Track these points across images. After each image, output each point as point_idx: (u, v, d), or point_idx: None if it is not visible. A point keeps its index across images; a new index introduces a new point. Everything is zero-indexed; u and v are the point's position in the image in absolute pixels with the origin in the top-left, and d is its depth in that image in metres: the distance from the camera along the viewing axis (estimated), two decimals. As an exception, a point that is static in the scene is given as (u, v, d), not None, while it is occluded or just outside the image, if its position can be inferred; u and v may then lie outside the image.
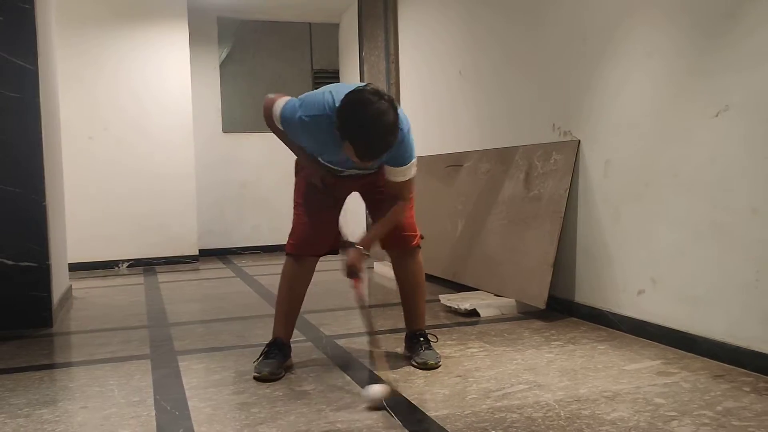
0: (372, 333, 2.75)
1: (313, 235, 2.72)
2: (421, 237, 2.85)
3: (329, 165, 2.65)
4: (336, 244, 2.81)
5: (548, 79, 3.76)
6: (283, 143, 2.72)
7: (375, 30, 6.37)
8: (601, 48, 3.31)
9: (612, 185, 3.27)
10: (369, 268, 5.72)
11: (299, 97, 2.55)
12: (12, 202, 3.62)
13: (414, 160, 2.55)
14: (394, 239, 2.78)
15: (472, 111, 4.65)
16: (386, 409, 2.19)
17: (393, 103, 2.31)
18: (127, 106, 6.41)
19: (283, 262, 2.79)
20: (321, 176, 2.69)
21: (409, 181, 2.59)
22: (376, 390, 2.27)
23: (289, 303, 2.79)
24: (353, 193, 2.86)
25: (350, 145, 2.27)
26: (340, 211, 2.81)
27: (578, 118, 3.50)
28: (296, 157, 2.78)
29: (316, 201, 2.72)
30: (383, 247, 2.87)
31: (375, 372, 2.62)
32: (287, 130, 2.56)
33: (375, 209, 2.81)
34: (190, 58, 6.69)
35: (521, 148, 3.95)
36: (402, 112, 2.48)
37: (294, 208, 2.78)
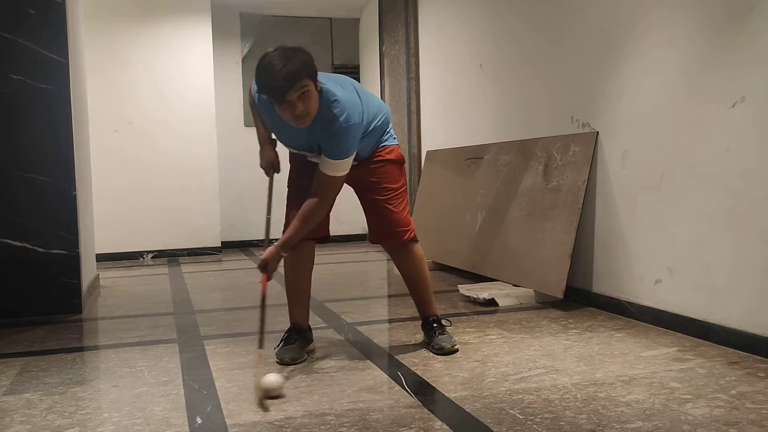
0: (261, 334, 2.55)
1: None
2: None
3: (290, 148, 2.69)
4: (327, 229, 2.82)
5: (567, 72, 3.80)
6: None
7: (395, 25, 6.43)
8: (620, 41, 3.35)
9: (629, 176, 3.31)
10: (388, 260, 5.77)
11: None
12: (43, 191, 3.73)
13: (342, 162, 2.50)
14: (386, 234, 2.80)
15: (492, 104, 4.69)
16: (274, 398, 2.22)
17: (300, 53, 2.37)
18: (151, 101, 6.53)
19: None
20: (268, 162, 2.75)
21: (330, 178, 2.51)
22: (272, 380, 2.24)
23: (297, 288, 2.85)
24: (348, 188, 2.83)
25: (271, 101, 2.37)
26: None
27: (596, 110, 3.54)
28: None
29: (302, 187, 2.69)
30: (375, 242, 2.91)
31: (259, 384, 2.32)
32: (260, 108, 2.64)
33: (368, 209, 2.82)
34: (213, 53, 6.78)
35: (540, 140, 4.00)
36: (359, 108, 2.51)
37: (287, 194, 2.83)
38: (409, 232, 2.80)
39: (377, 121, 2.69)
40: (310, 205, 2.54)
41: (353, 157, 2.55)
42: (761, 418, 1.96)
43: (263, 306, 2.62)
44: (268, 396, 2.22)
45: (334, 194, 2.63)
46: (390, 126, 2.82)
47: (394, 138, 2.84)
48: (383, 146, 2.75)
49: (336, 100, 2.46)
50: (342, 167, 2.52)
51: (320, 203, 2.56)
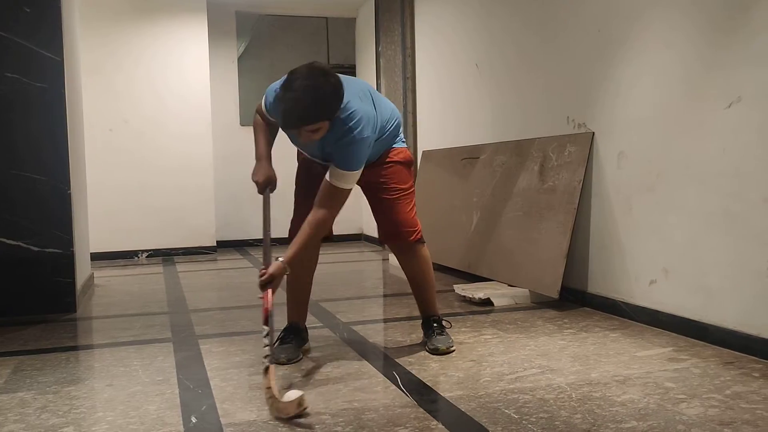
0: (272, 349, 2.37)
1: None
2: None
3: (306, 154, 2.68)
4: (330, 229, 2.75)
5: (563, 72, 3.80)
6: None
7: (392, 24, 6.42)
8: (616, 42, 3.35)
9: (625, 177, 3.31)
10: (384, 260, 5.77)
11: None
12: (38, 189, 3.71)
13: (352, 174, 2.48)
14: (393, 234, 2.79)
15: (488, 104, 4.70)
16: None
17: (335, 83, 2.30)
18: (147, 99, 6.51)
19: None
20: (265, 178, 2.65)
21: (338, 189, 2.47)
22: (290, 396, 2.08)
23: (297, 287, 2.84)
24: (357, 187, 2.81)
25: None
26: None
27: (592, 111, 3.54)
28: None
29: (309, 188, 2.67)
30: (384, 242, 2.91)
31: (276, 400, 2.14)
32: (273, 114, 2.61)
33: (376, 209, 2.82)
34: (209, 52, 6.77)
35: (536, 140, 4.00)
36: (374, 121, 2.49)
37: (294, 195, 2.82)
38: (415, 233, 2.79)
39: (390, 126, 2.71)
40: (316, 218, 2.47)
41: (361, 171, 2.53)
42: (755, 418, 1.96)
43: (271, 324, 2.35)
44: (295, 415, 2.04)
45: (340, 206, 2.55)
46: (401, 130, 2.83)
47: (404, 141, 2.86)
48: (392, 148, 2.77)
49: (353, 112, 2.43)
50: (351, 179, 2.50)
51: (327, 214, 2.49)
